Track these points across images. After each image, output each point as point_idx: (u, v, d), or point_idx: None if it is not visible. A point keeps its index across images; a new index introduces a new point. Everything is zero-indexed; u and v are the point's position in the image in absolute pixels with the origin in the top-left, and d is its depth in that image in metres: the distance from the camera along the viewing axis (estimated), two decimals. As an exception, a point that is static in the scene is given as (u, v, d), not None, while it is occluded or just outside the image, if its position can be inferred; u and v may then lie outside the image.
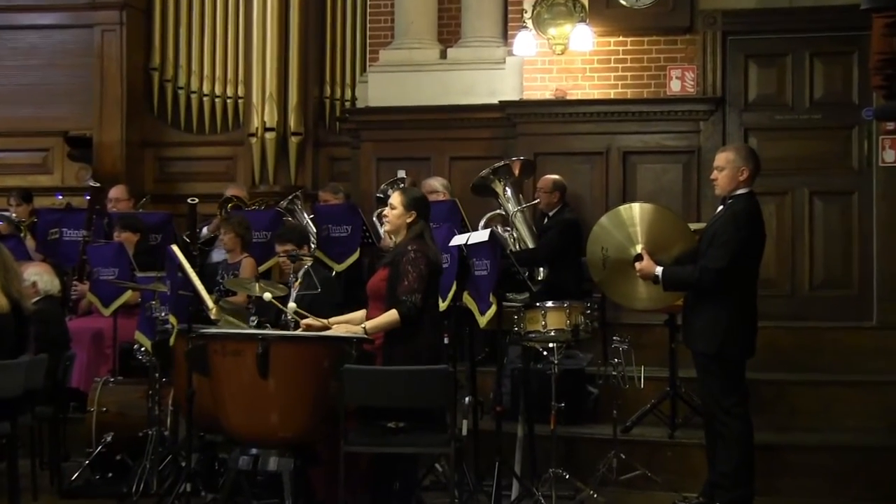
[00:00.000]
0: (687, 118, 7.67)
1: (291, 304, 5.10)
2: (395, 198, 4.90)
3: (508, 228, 6.92)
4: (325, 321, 4.86)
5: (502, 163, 7.05)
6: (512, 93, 8.02)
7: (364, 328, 4.71)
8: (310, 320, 4.87)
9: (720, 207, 5.05)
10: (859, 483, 5.65)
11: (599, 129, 7.80)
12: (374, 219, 7.12)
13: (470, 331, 5.99)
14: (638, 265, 4.99)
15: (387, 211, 4.92)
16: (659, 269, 4.92)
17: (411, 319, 4.67)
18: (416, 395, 4.50)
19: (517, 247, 6.94)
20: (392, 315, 4.69)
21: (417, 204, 4.88)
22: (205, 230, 7.71)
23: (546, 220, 7.16)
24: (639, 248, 4.99)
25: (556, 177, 7.23)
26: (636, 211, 5.08)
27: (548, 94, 7.92)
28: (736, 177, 4.96)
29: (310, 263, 5.97)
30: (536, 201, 7.14)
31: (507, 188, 7.05)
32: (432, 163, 8.22)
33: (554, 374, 5.46)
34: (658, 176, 7.70)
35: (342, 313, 5.14)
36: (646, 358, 5.98)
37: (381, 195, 7.18)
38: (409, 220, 4.85)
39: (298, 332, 4.89)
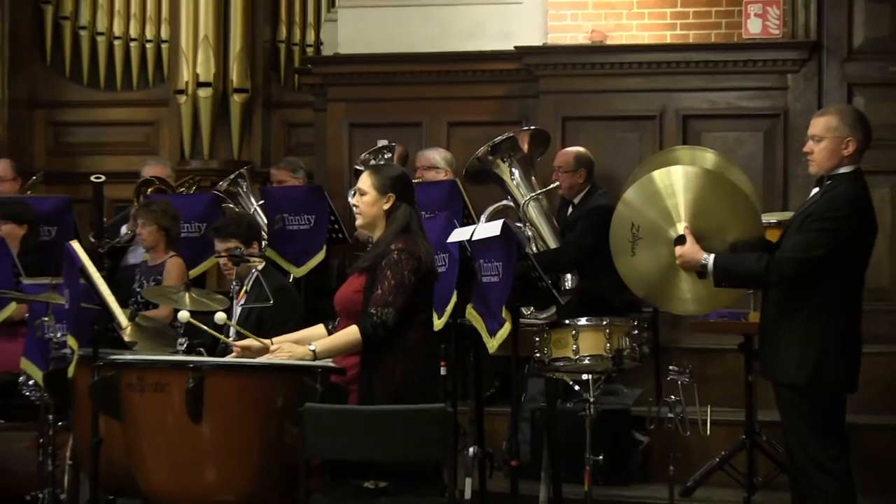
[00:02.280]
0: (770, 70, 7.69)
1: (220, 315, 5.05)
2: (364, 180, 4.89)
3: (520, 224, 6.93)
4: (265, 341, 4.86)
5: (504, 136, 7.05)
6: (533, 36, 8.03)
7: (313, 349, 4.71)
8: (248, 341, 4.87)
9: (814, 191, 5.04)
10: None
11: (651, 85, 7.81)
12: (350, 199, 7.11)
13: (475, 357, 5.99)
14: (678, 250, 4.96)
15: (355, 199, 4.92)
16: (708, 257, 4.91)
17: (376, 341, 4.68)
18: (404, 443, 4.51)
19: (535, 247, 6.95)
20: (351, 333, 4.68)
21: (396, 184, 4.87)
22: (124, 228, 7.72)
23: (571, 209, 7.17)
24: (681, 228, 4.97)
25: (578, 149, 7.23)
26: (677, 177, 4.99)
27: (581, 38, 7.93)
28: (838, 150, 4.96)
29: (260, 267, 5.97)
30: (555, 185, 7.14)
31: (514, 170, 7.05)
32: (425, 130, 8.24)
33: (589, 417, 5.47)
34: (731, 148, 7.70)
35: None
36: (713, 395, 5.97)
37: (362, 168, 7.19)
38: (386, 207, 4.85)
39: (235, 357, 4.89)
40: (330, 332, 4.91)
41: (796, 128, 7.46)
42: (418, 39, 8.22)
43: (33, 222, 7.23)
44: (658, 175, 5.08)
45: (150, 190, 7.67)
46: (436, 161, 7.46)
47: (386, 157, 7.50)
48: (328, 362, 4.74)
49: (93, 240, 7.14)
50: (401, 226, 4.82)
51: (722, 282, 4.90)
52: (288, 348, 4.76)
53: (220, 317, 4.99)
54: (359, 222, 4.97)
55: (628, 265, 5.10)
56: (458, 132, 8.18)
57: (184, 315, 4.90)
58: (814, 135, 5.00)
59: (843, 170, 4.96)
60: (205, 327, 5.05)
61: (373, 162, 7.28)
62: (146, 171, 7.98)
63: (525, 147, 7.10)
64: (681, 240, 4.94)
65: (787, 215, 5.48)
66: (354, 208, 4.94)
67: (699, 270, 4.92)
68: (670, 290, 5.06)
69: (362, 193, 4.87)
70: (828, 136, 4.95)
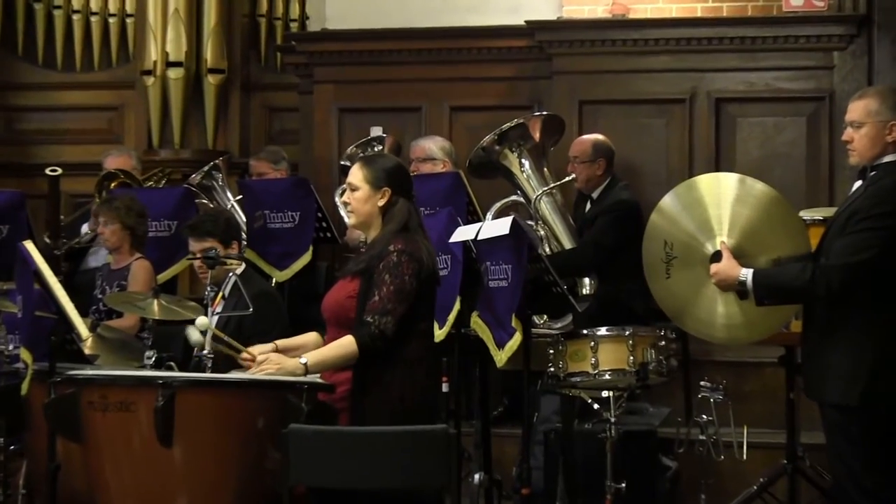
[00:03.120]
0: (814, 47, 7.68)
1: (202, 319, 5.05)
2: (356, 173, 4.89)
3: (532, 222, 6.93)
4: (264, 348, 4.87)
5: (513, 123, 7.05)
6: (545, 9, 8.04)
7: (305, 362, 4.71)
8: (253, 350, 4.86)
9: (857, 184, 5.05)
10: None
11: (679, 65, 7.81)
12: (339, 202, 7.13)
13: (481, 372, 5.99)
14: (713, 267, 4.98)
15: (346, 196, 4.92)
16: (746, 272, 4.91)
17: (375, 353, 4.68)
18: (400, 470, 4.51)
19: (548, 248, 6.95)
20: (346, 345, 4.68)
21: (391, 177, 4.87)
22: (85, 227, 7.71)
23: (589, 204, 7.18)
24: (718, 243, 4.98)
25: (596, 137, 7.23)
26: (729, 186, 5.03)
27: (600, 12, 7.93)
28: (881, 136, 4.96)
29: (239, 270, 5.97)
30: (571, 177, 7.14)
31: (524, 161, 7.05)
32: (424, 115, 8.24)
33: (610, 439, 5.48)
34: (769, 135, 7.71)
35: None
36: (751, 414, 5.97)
37: (349, 164, 7.21)
38: (381, 204, 4.85)
39: (226, 373, 4.90)
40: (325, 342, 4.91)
41: (843, 112, 7.37)
42: (416, 13, 8.22)
43: (-19, 220, 7.24)
44: (705, 181, 5.10)
45: (113, 184, 7.66)
46: (432, 151, 7.44)
47: (376, 148, 7.50)
48: (316, 378, 4.75)
49: (48, 240, 7.18)
50: (399, 224, 4.82)
51: (764, 299, 4.90)
52: (277, 360, 4.76)
53: (202, 322, 4.99)
54: (350, 221, 4.96)
55: (663, 288, 5.12)
56: (462, 118, 8.18)
57: (203, 322, 4.91)
58: (853, 121, 5.01)
59: (888, 158, 4.96)
60: (226, 338, 5.04)
61: (361, 155, 7.28)
62: (109, 163, 7.97)
63: (537, 135, 7.09)
64: (717, 256, 4.96)
65: (830, 211, 5.48)
66: (344, 206, 4.94)
67: (738, 289, 4.93)
68: (704, 316, 5.08)
69: (353, 189, 4.87)
70: (868, 122, 4.96)
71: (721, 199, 5.00)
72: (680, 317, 5.20)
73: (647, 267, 5.15)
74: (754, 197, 5.01)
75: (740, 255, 4.94)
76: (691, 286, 5.06)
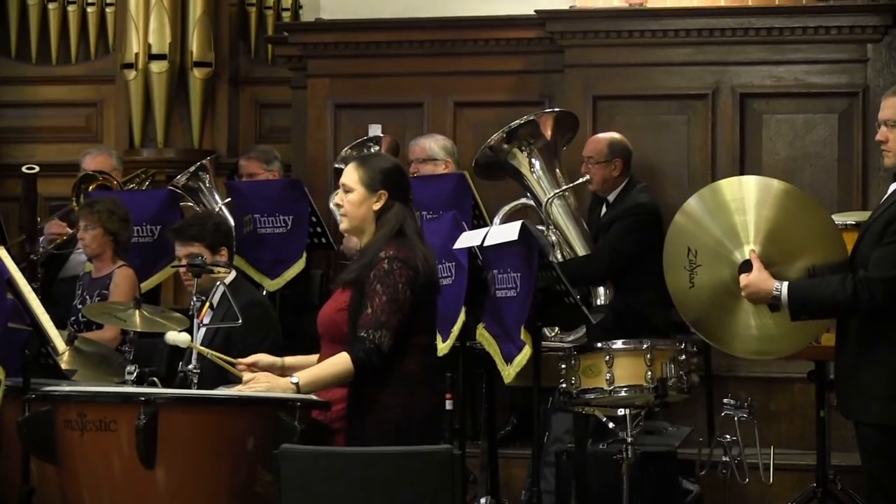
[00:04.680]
0: (847, 39, 7.68)
1: (173, 336, 5.05)
2: (350, 174, 4.88)
3: (543, 227, 6.94)
4: (265, 360, 4.88)
5: (523, 120, 7.06)
6: (557, -3, 8.07)
7: (296, 382, 4.72)
8: (255, 357, 4.86)
9: (892, 186, 5.06)
10: None
11: (701, 58, 7.81)
12: (332, 206, 7.14)
13: (488, 388, 6.00)
14: (743, 278, 4.97)
15: (339, 197, 4.92)
16: (780, 285, 4.90)
17: (370, 370, 4.68)
18: (401, 493, 4.52)
19: (560, 255, 6.95)
20: (341, 362, 4.68)
21: (388, 178, 4.86)
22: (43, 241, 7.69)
23: (605, 208, 7.19)
24: (747, 252, 4.98)
25: (612, 135, 7.24)
26: (749, 189, 5.05)
27: (616, 0, 7.93)
28: (918, 136, 4.99)
29: (228, 278, 5.97)
30: (585, 179, 7.15)
31: (534, 161, 7.06)
32: (427, 112, 8.24)
33: (626, 461, 5.48)
34: (799, 134, 7.71)
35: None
36: (778, 434, 5.97)
37: (344, 167, 7.22)
38: (377, 208, 4.85)
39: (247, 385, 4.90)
40: None
41: (878, 109, 7.43)
42: (418, 2, 8.23)
43: (-50, 225, 7.25)
44: (727, 185, 5.11)
45: (92, 186, 7.66)
46: (433, 151, 7.43)
47: (373, 149, 7.50)
48: (310, 395, 4.76)
49: (24, 245, 7.18)
50: (392, 228, 4.81)
51: (800, 314, 4.88)
52: (265, 378, 4.76)
53: (172, 337, 4.99)
54: (343, 226, 4.95)
55: (686, 298, 5.12)
56: (467, 114, 8.19)
57: (175, 338, 4.93)
58: (886, 119, 5.03)
59: (925, 159, 4.98)
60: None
61: (356, 155, 7.29)
62: (87, 163, 7.98)
63: (548, 133, 7.11)
64: (746, 266, 4.95)
65: (864, 216, 5.48)
66: (337, 209, 4.93)
67: (771, 302, 4.92)
68: (734, 330, 5.08)
69: (348, 190, 4.86)
70: (903, 121, 4.98)
71: (745, 203, 5.01)
72: (706, 331, 5.20)
73: (667, 268, 5.15)
74: (772, 196, 5.02)
75: (770, 264, 4.93)
76: (718, 296, 5.06)
